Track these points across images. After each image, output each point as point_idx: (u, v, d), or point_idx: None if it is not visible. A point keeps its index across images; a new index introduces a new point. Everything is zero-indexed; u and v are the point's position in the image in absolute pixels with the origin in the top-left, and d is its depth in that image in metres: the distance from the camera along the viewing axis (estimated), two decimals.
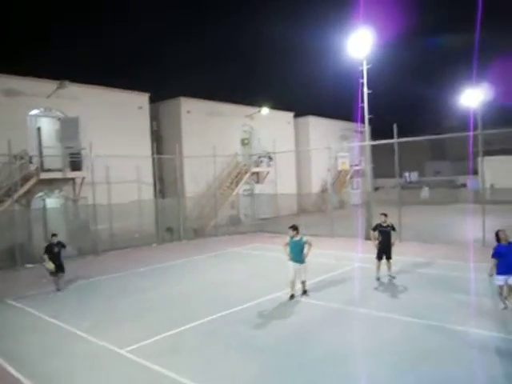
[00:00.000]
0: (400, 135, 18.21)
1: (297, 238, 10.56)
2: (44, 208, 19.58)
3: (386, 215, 11.98)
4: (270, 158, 28.20)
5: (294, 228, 10.61)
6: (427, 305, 9.56)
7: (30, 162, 18.74)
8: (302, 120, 35.67)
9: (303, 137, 35.32)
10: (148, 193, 22.87)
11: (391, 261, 11.88)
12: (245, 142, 30.08)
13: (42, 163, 19.27)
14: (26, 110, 19.34)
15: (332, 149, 23.99)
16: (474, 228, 17.00)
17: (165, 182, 24.87)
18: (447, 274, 12.32)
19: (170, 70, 64.97)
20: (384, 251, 11.79)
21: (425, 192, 37.53)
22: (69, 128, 19.36)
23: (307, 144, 34.55)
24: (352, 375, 6.66)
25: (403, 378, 6.36)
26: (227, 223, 25.72)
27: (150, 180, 22.89)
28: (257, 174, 29.55)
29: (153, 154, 22.60)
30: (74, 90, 20.04)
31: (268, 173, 29.00)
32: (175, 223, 22.21)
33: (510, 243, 8.82)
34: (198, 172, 25.10)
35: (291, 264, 10.52)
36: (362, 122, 19.44)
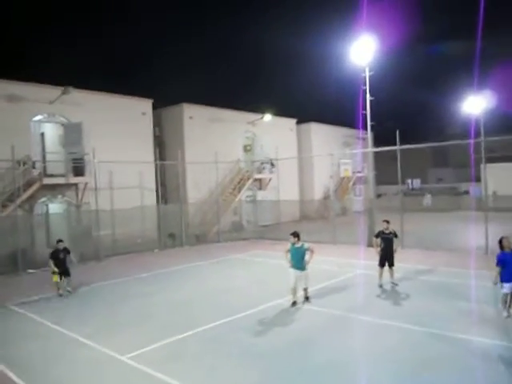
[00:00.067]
0: (402, 142, 18.23)
1: (298, 245, 10.54)
2: (47, 213, 19.65)
3: (388, 222, 11.96)
4: (273, 165, 28.27)
5: (295, 235, 10.59)
6: (429, 312, 9.53)
7: (33, 168, 18.83)
8: (304, 126, 35.75)
9: (306, 143, 35.39)
10: (150, 198, 22.92)
11: (393, 268, 11.87)
12: (247, 149, 30.15)
13: (45, 168, 19.35)
14: (29, 116, 19.46)
15: (334, 155, 24.04)
16: (477, 235, 16.95)
17: (167, 187, 24.93)
18: (449, 281, 12.28)
19: (172, 75, 65.28)
20: (386, 258, 11.77)
21: (427, 199, 37.49)
22: (72, 133, 19.47)
23: (310, 150, 34.60)
24: (353, 382, 6.64)
25: None
26: (230, 229, 25.73)
27: (153, 186, 22.94)
28: (259, 180, 29.59)
29: (155, 159, 22.68)
30: (78, 95, 20.17)
31: (270, 179, 29.04)
32: (177, 229, 22.22)
33: None
34: (201, 178, 25.15)
35: (292, 271, 10.50)
36: (365, 128, 19.45)
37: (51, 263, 12.23)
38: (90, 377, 7.18)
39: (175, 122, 26.40)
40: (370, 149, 20.12)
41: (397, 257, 11.96)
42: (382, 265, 11.82)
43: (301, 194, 34.57)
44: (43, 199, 19.43)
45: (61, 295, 12.30)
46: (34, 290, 13.06)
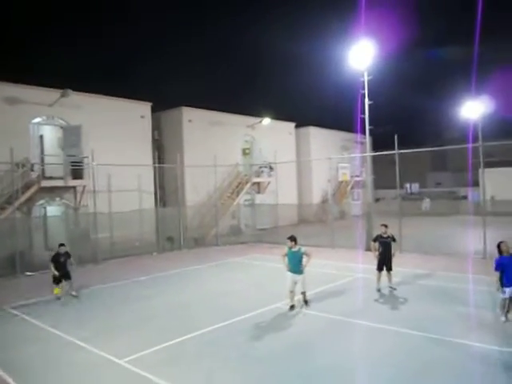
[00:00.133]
0: (401, 146, 18.28)
1: (295, 249, 10.55)
2: (45, 216, 19.61)
3: (386, 226, 11.98)
4: (271, 168, 28.27)
5: (292, 239, 10.61)
6: (427, 317, 9.53)
7: (32, 170, 18.80)
8: (303, 130, 35.81)
9: (304, 147, 35.43)
10: (149, 201, 22.90)
11: (392, 272, 11.87)
12: (246, 152, 30.16)
13: (43, 171, 19.32)
14: (28, 118, 19.46)
15: (333, 159, 24.05)
16: (475, 240, 16.97)
17: (166, 190, 24.92)
18: (447, 285, 12.29)
19: (171, 76, 65.38)
20: (384, 262, 11.78)
21: (426, 203, 37.53)
22: (71, 136, 19.48)
23: (308, 154, 34.64)
24: None
25: None
26: (228, 233, 25.72)
27: (151, 189, 22.93)
28: (258, 184, 29.59)
29: (154, 162, 22.68)
30: (76, 98, 20.17)
31: (269, 183, 29.03)
32: (176, 232, 22.20)
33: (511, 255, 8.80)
34: (199, 181, 25.17)
35: (289, 275, 10.51)
36: (363, 132, 19.51)
37: (51, 266, 12.23)
38: (87, 381, 7.15)
39: (174, 125, 26.42)
40: (369, 153, 20.17)
41: (395, 261, 11.96)
42: (380, 269, 11.82)
43: (299, 198, 34.58)
44: (41, 202, 19.40)
45: (58, 298, 12.26)
46: (32, 293, 13.01)
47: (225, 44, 67.74)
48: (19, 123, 18.84)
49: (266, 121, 29.52)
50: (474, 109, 24.77)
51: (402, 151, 18.33)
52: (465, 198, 38.00)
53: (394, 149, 18.31)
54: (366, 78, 18.53)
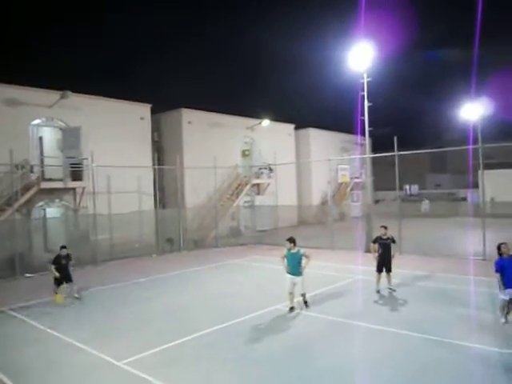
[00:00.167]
0: (400, 148, 18.29)
1: (294, 251, 10.54)
2: (44, 217, 19.59)
3: (386, 228, 11.98)
4: (271, 170, 28.27)
5: (291, 240, 10.60)
6: (427, 318, 9.52)
7: (31, 172, 18.80)
8: (302, 132, 35.82)
9: (304, 149, 35.43)
10: (148, 203, 22.88)
11: (391, 273, 11.86)
12: (245, 154, 30.17)
13: (43, 173, 19.32)
14: (27, 120, 19.45)
15: (332, 161, 24.04)
16: (474, 241, 16.98)
17: (165, 192, 24.91)
18: (447, 287, 12.28)
19: (171, 76, 65.48)
20: (384, 264, 11.77)
21: (425, 205, 37.54)
22: (70, 138, 19.46)
23: (308, 156, 34.64)
24: None
25: None
26: (227, 234, 25.70)
27: (151, 190, 22.91)
28: (257, 185, 29.58)
29: (154, 164, 22.67)
30: (76, 100, 20.18)
31: (269, 184, 29.02)
32: (175, 234, 22.18)
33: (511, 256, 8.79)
34: (199, 183, 25.15)
35: (288, 277, 10.51)
36: (363, 134, 19.53)
37: (52, 268, 12.18)
38: (86, 383, 7.14)
39: (174, 126, 26.43)
40: (368, 154, 20.17)
41: (394, 262, 11.95)
42: (379, 270, 11.82)
43: (299, 200, 34.59)
44: (41, 203, 19.38)
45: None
46: (31, 295, 13.00)
47: (225, 44, 67.90)
48: (19, 125, 18.84)
49: (266, 122, 29.53)
50: (473, 110, 24.79)
51: (402, 153, 18.33)
52: (464, 199, 38.02)
53: (393, 150, 18.32)
54: (365, 80, 18.55)
